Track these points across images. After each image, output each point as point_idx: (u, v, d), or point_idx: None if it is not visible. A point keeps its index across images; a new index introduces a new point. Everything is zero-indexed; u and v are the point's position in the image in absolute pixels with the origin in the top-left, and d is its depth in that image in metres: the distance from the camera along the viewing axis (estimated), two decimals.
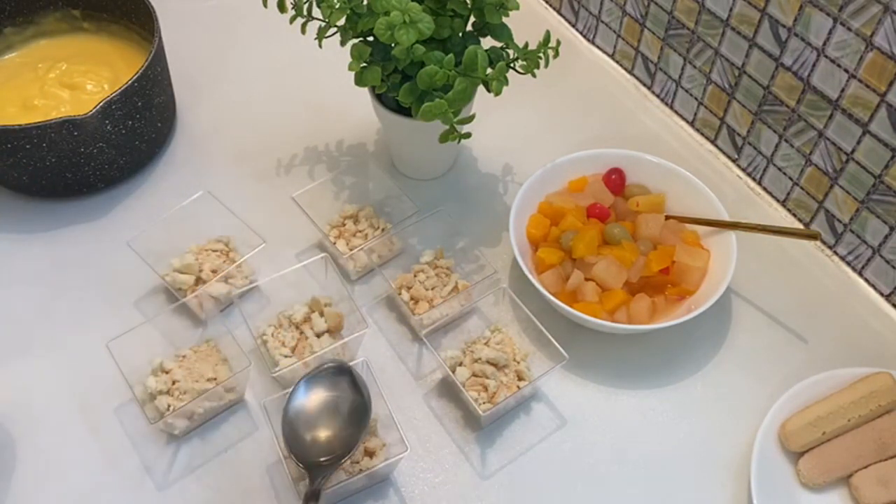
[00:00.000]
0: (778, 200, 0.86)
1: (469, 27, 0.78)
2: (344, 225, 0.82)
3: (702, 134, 0.93)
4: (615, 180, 0.83)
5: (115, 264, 0.81)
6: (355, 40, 0.76)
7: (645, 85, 0.98)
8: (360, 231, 0.81)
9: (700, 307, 0.72)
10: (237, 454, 0.69)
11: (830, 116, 0.75)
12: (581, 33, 1.05)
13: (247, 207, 0.80)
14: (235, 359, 0.70)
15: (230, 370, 0.71)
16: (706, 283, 0.76)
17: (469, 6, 0.75)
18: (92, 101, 0.82)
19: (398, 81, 0.75)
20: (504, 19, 0.76)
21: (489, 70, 0.71)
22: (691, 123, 0.94)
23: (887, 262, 0.77)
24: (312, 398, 0.64)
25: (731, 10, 0.80)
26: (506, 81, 0.72)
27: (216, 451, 0.69)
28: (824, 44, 0.72)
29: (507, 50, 0.78)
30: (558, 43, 0.76)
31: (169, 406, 0.68)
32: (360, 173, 0.87)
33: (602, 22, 1.00)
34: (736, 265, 0.74)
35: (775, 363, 0.75)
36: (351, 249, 0.79)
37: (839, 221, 0.80)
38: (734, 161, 0.90)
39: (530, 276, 0.73)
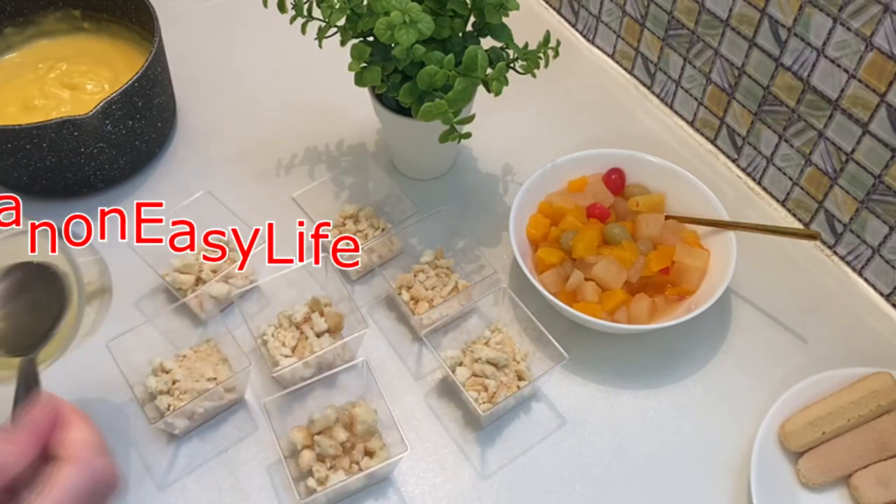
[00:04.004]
0: (778, 200, 0.86)
1: (469, 27, 0.78)
2: (344, 225, 0.82)
3: (702, 134, 0.93)
4: (615, 180, 0.82)
5: (114, 264, 0.81)
6: (355, 40, 0.76)
7: (645, 85, 0.98)
8: (360, 231, 0.81)
9: (700, 307, 0.71)
10: (237, 454, 0.69)
11: (830, 116, 0.75)
12: (581, 33, 1.05)
13: (247, 207, 0.80)
14: (235, 359, 0.70)
15: (230, 370, 0.71)
16: (706, 283, 0.76)
17: (469, 6, 0.75)
18: (92, 101, 0.82)
19: (398, 81, 0.75)
20: (504, 19, 0.76)
21: (489, 70, 0.71)
22: (691, 123, 0.94)
23: (887, 262, 0.77)
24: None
25: (730, 10, 0.80)
26: (506, 81, 0.72)
27: (216, 451, 0.69)
28: (824, 44, 0.72)
29: (507, 50, 0.78)
30: (558, 43, 0.76)
31: (169, 406, 0.68)
32: (360, 173, 0.87)
33: (602, 22, 1.00)
34: (736, 265, 0.74)
35: (775, 363, 0.75)
36: None
37: (839, 221, 0.80)
38: (734, 161, 0.90)
39: (530, 276, 0.73)
